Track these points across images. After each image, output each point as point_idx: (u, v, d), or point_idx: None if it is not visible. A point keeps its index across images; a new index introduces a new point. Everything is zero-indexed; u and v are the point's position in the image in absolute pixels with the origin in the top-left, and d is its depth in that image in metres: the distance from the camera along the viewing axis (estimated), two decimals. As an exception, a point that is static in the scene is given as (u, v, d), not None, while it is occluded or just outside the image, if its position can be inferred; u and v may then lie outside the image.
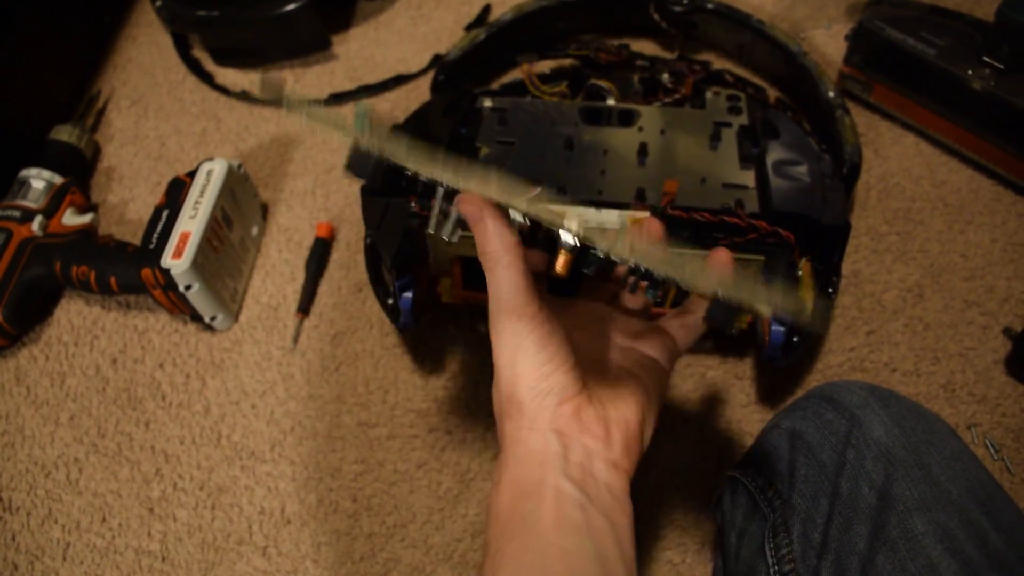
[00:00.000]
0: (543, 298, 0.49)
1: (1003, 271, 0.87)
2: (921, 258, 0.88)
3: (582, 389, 0.50)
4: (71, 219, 0.92)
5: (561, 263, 0.48)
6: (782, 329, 0.71)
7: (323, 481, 0.79)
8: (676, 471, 0.78)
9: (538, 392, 0.49)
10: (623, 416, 0.51)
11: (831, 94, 0.88)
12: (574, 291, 0.63)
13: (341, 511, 0.77)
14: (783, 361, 0.72)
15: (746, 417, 0.80)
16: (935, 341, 0.83)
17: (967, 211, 0.91)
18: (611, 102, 0.90)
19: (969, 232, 0.90)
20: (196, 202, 0.84)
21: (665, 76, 0.95)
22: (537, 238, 0.50)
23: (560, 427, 0.49)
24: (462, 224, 0.50)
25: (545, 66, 1.01)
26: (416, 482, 0.78)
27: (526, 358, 0.49)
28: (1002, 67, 0.88)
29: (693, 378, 0.82)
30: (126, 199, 1.00)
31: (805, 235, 0.71)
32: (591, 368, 0.53)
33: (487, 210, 0.48)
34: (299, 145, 1.02)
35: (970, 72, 0.88)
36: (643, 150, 0.81)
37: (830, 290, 0.75)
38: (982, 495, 0.52)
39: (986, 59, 0.89)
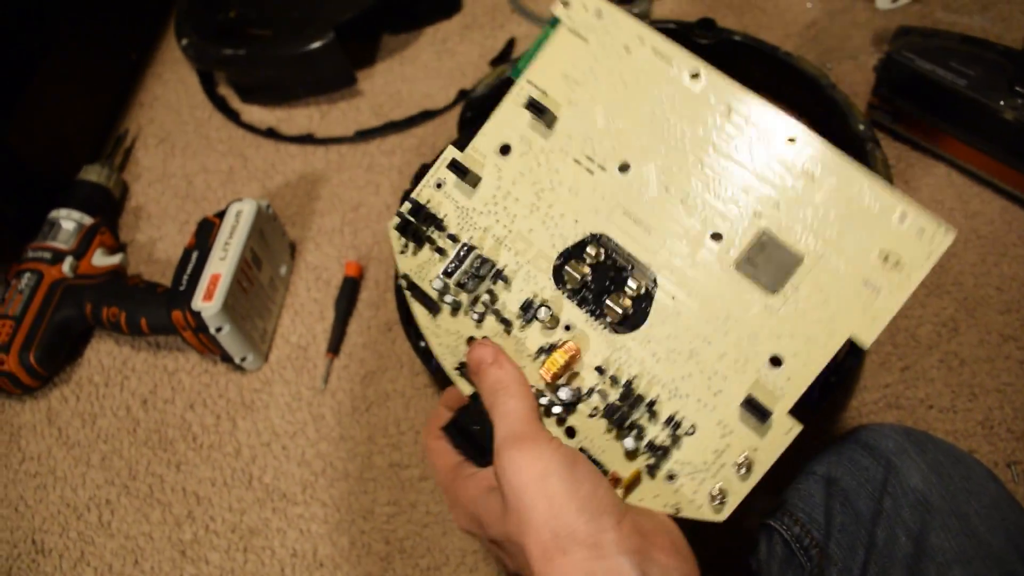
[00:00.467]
0: None
1: (1039, 303, 0.86)
2: (955, 291, 0.87)
3: (626, 503, 0.46)
4: (101, 260, 0.92)
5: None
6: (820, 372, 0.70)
7: (355, 523, 0.79)
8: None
9: (592, 514, 0.42)
10: (670, 526, 0.47)
11: (861, 127, 0.87)
12: None
13: (374, 553, 0.77)
14: (820, 404, 0.71)
15: (780, 459, 0.79)
16: (971, 377, 0.82)
17: (1001, 243, 0.90)
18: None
19: (1003, 264, 0.89)
20: (226, 243, 0.84)
21: (692, 110, 0.95)
22: None
23: (631, 547, 0.42)
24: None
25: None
26: (449, 524, 0.78)
27: (561, 482, 0.43)
28: (1034, 97, 0.87)
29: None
30: (154, 238, 1.01)
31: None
32: None
33: (503, 353, 0.50)
34: (326, 183, 1.03)
35: (1002, 102, 0.87)
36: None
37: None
38: (1023, 545, 0.51)
39: (1018, 88, 0.88)
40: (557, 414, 0.49)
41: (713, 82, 0.49)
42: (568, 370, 0.50)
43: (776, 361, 0.46)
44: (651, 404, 0.48)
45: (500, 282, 0.52)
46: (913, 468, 0.55)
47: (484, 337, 0.52)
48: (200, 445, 0.84)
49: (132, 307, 0.86)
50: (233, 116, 1.12)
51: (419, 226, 0.53)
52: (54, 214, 0.94)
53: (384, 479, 0.81)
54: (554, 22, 0.53)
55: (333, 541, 0.78)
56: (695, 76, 0.50)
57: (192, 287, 0.82)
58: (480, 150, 0.54)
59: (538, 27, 1.16)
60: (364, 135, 1.07)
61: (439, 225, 0.53)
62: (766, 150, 0.47)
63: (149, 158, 1.09)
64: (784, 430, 0.46)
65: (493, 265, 0.52)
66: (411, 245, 0.54)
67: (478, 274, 0.52)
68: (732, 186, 0.48)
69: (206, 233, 0.86)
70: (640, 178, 0.50)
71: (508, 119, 0.54)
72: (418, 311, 0.53)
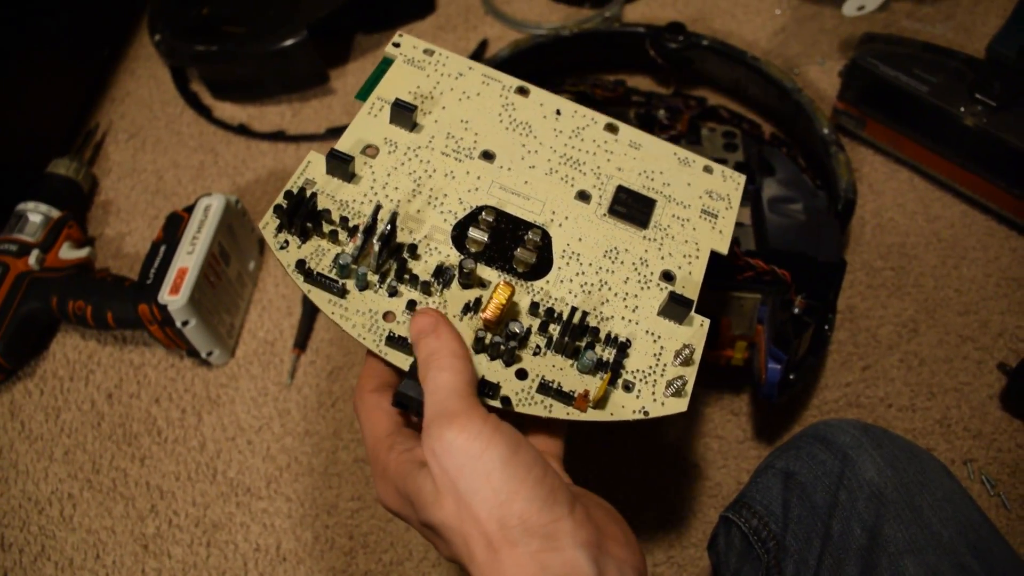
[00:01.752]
0: None
1: (997, 306, 0.88)
2: (916, 293, 0.89)
3: (574, 488, 0.44)
4: (68, 253, 0.92)
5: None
6: (778, 367, 0.71)
7: (319, 518, 0.79)
8: (672, 508, 0.78)
9: (544, 502, 0.39)
10: (616, 515, 0.45)
11: (826, 131, 0.88)
12: None
13: (337, 548, 0.77)
14: (779, 398, 0.72)
15: (742, 453, 0.80)
16: (930, 376, 0.84)
17: (961, 246, 0.92)
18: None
19: (963, 267, 0.90)
20: (194, 238, 0.84)
21: (661, 112, 0.96)
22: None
23: (584, 539, 0.39)
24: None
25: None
26: (412, 519, 0.78)
27: (506, 466, 0.39)
28: (994, 104, 0.88)
29: (689, 415, 0.82)
30: (123, 232, 1.01)
31: (801, 272, 0.72)
32: None
33: (444, 321, 0.47)
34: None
35: (962, 109, 0.89)
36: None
37: (826, 327, 0.75)
38: (974, 538, 0.52)
39: (978, 96, 0.89)
40: (510, 348, 0.49)
41: (538, 93, 0.60)
42: (507, 313, 0.51)
43: (668, 276, 0.55)
44: (587, 329, 0.51)
45: (407, 253, 0.52)
46: (869, 462, 0.56)
47: (389, 337, 0.49)
48: (165, 439, 0.84)
49: (98, 300, 0.85)
50: (205, 112, 1.12)
51: (300, 219, 0.51)
52: (21, 207, 0.93)
53: (349, 474, 0.81)
54: (388, 61, 0.60)
55: (297, 536, 0.78)
56: (523, 92, 0.60)
57: (159, 281, 0.82)
58: (347, 151, 0.55)
59: (511, 29, 1.16)
60: (335, 133, 1.07)
61: (325, 217, 0.52)
62: (596, 135, 0.59)
63: (119, 153, 1.09)
64: (699, 324, 0.53)
65: (396, 237, 0.52)
66: (292, 240, 0.52)
67: (388, 243, 0.51)
68: (582, 160, 0.58)
69: (174, 227, 0.86)
70: (506, 161, 0.57)
71: (365, 126, 0.57)
72: (320, 299, 0.51)
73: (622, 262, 0.55)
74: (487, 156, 0.57)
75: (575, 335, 0.50)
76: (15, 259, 0.88)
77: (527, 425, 0.50)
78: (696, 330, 0.53)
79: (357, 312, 0.51)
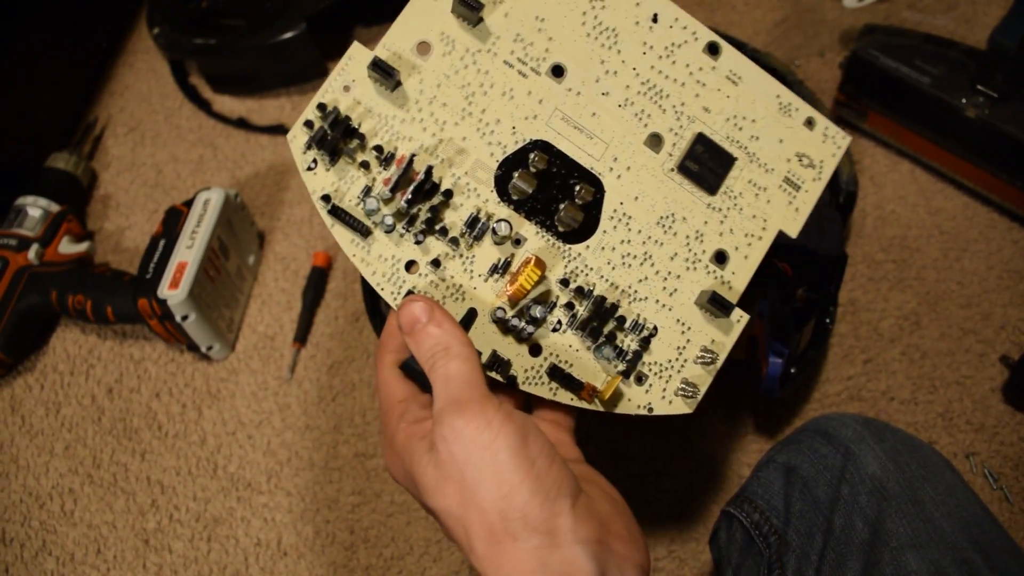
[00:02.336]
0: None
1: (999, 298, 0.87)
2: (917, 286, 0.88)
3: (581, 484, 0.42)
4: (67, 247, 0.92)
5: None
6: (780, 361, 0.71)
7: (320, 512, 0.79)
8: (674, 503, 0.77)
9: (546, 495, 0.39)
10: (623, 507, 0.44)
11: (826, 122, 0.88)
12: None
13: (338, 543, 0.77)
14: (780, 392, 0.72)
15: (744, 447, 0.80)
16: (932, 369, 0.83)
17: (963, 238, 0.92)
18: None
19: (965, 259, 0.90)
20: (193, 232, 0.84)
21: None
22: None
23: (585, 535, 0.39)
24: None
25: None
26: (413, 513, 0.78)
27: (512, 458, 0.39)
28: (995, 95, 0.88)
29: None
30: (123, 226, 1.00)
31: (802, 266, 0.71)
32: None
33: (439, 307, 0.44)
34: (295, 173, 1.02)
35: (964, 100, 0.89)
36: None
37: (827, 320, 0.75)
38: (976, 532, 0.52)
39: (980, 87, 0.89)
40: (528, 333, 0.47)
41: None
42: (536, 286, 0.48)
43: (721, 257, 0.50)
44: (615, 311, 0.48)
45: (441, 197, 0.48)
46: (871, 456, 0.55)
47: (410, 292, 0.47)
48: (165, 434, 0.84)
49: (98, 295, 0.85)
50: (204, 106, 1.11)
51: (334, 136, 0.46)
52: (20, 201, 0.93)
53: (349, 469, 0.81)
54: None
55: (297, 530, 0.78)
56: None
57: (159, 275, 0.82)
58: (392, 48, 0.48)
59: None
60: (335, 126, 1.06)
61: (359, 136, 0.47)
62: (693, 56, 0.50)
63: (119, 146, 1.08)
64: (736, 319, 0.50)
65: (432, 180, 0.48)
66: (323, 159, 0.47)
67: (421, 189, 0.47)
68: (665, 91, 0.50)
69: (174, 221, 0.86)
70: (577, 81, 0.49)
71: (423, 13, 0.48)
72: (343, 237, 0.47)
73: (675, 233, 0.49)
74: (556, 72, 0.49)
75: (602, 319, 0.48)
76: (15, 254, 0.88)
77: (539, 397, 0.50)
78: (730, 327, 0.50)
79: (379, 258, 0.47)
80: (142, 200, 1.02)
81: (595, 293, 0.49)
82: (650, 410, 0.49)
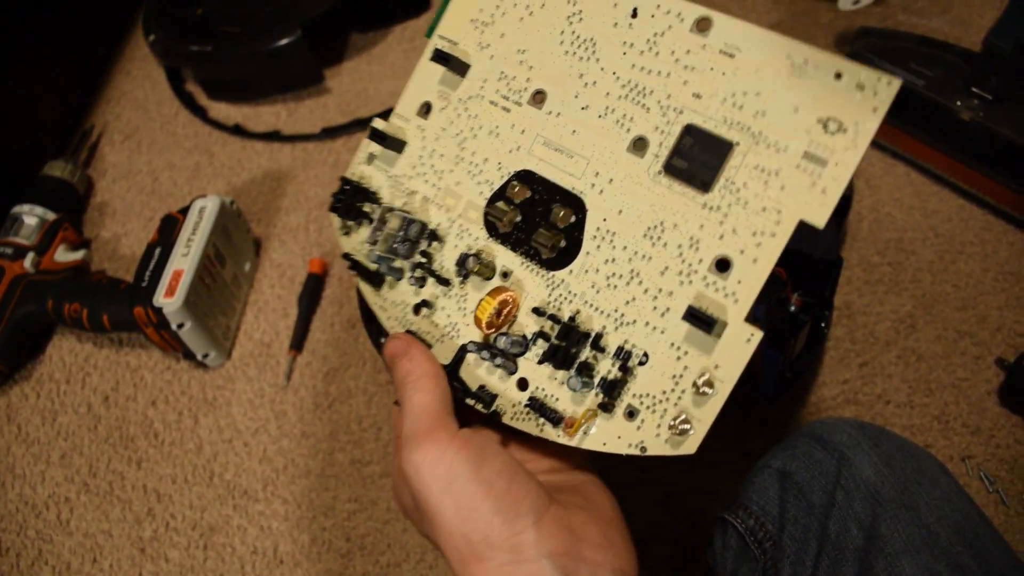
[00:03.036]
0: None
1: (995, 300, 0.87)
2: (913, 288, 0.88)
3: (551, 496, 0.42)
4: (64, 255, 0.92)
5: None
6: (775, 367, 0.71)
7: (316, 520, 0.79)
8: (669, 509, 0.77)
9: (505, 515, 0.40)
10: (604, 512, 0.44)
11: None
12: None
13: (334, 550, 0.77)
14: (776, 398, 0.72)
15: (740, 452, 0.80)
16: (928, 372, 0.83)
17: (958, 240, 0.92)
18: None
19: (960, 262, 0.90)
20: (189, 239, 0.84)
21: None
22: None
23: (554, 548, 0.40)
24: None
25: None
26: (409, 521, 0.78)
27: (468, 484, 0.40)
28: (990, 97, 0.88)
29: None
30: (119, 234, 1.00)
31: (797, 270, 0.71)
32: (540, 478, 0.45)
33: (414, 343, 0.47)
34: (292, 180, 1.02)
35: (959, 103, 0.89)
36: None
37: (823, 324, 0.75)
38: (971, 537, 0.51)
39: (975, 89, 0.89)
40: (502, 366, 0.47)
41: None
42: (508, 319, 0.47)
43: (723, 264, 0.42)
44: (597, 338, 0.45)
45: (434, 242, 0.51)
46: (866, 461, 0.55)
47: (400, 332, 0.50)
48: (161, 442, 0.84)
49: (94, 303, 0.85)
50: (200, 112, 1.11)
51: (353, 203, 0.53)
52: (16, 209, 0.93)
53: (345, 476, 0.81)
54: None
55: (294, 538, 0.78)
56: None
57: (154, 283, 0.82)
58: (403, 115, 0.54)
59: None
60: (331, 133, 1.07)
61: (372, 199, 0.53)
62: (679, 40, 0.45)
63: (115, 154, 1.08)
64: (744, 339, 0.42)
65: (423, 225, 0.51)
66: (352, 224, 0.53)
67: (408, 237, 0.50)
68: (648, 88, 0.46)
69: (169, 229, 0.86)
70: (557, 102, 0.49)
71: (424, 78, 0.53)
72: (364, 289, 0.52)
73: (665, 244, 0.44)
74: (537, 98, 0.49)
75: (571, 347, 0.45)
76: (11, 262, 0.88)
77: None
78: (736, 349, 0.42)
79: (392, 304, 0.51)
80: (138, 207, 1.02)
81: (577, 320, 0.46)
82: (643, 450, 0.43)
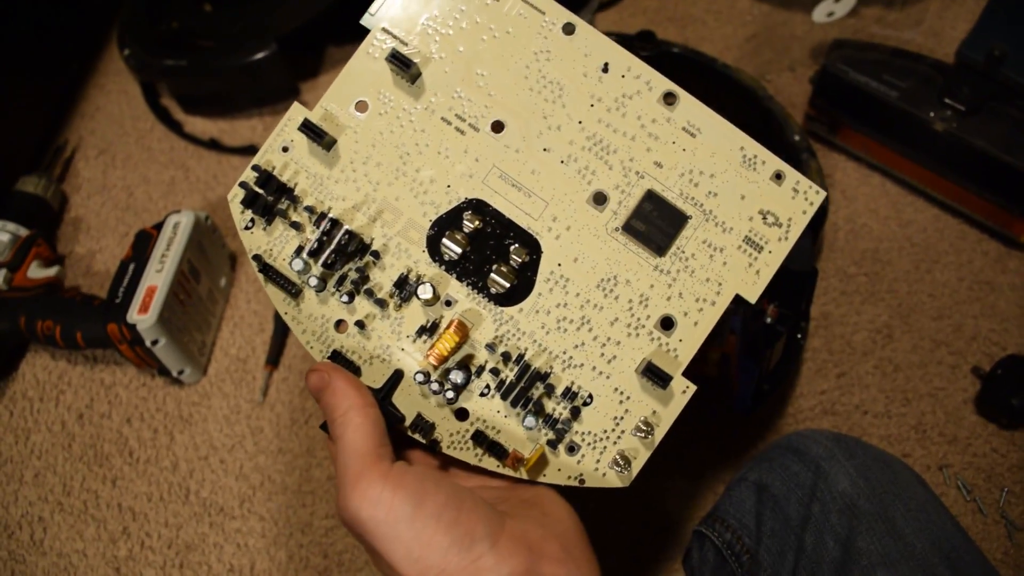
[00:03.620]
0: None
1: (970, 309, 0.88)
2: (890, 299, 0.89)
3: (503, 516, 0.42)
4: (36, 272, 0.91)
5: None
6: (751, 379, 0.71)
7: (293, 537, 0.78)
8: (647, 522, 0.77)
9: (460, 545, 0.39)
10: (562, 525, 0.44)
11: (796, 137, 0.88)
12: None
13: (312, 567, 0.76)
14: (752, 410, 0.72)
15: (718, 464, 0.80)
16: (905, 382, 0.84)
17: (933, 250, 0.92)
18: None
19: (936, 271, 0.91)
20: (163, 255, 0.83)
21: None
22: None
23: (513, 569, 0.39)
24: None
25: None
26: (387, 536, 0.77)
27: (413, 522, 0.39)
28: (963, 108, 0.89)
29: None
30: (93, 250, 0.99)
31: (773, 281, 0.71)
32: (492, 499, 0.45)
33: (335, 373, 0.44)
34: (268, 193, 1.02)
35: (932, 114, 0.89)
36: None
37: (799, 336, 0.75)
38: (947, 548, 0.52)
39: (948, 101, 0.90)
40: (448, 399, 0.46)
41: (588, 36, 0.48)
42: (456, 350, 0.47)
43: (667, 323, 0.46)
44: (545, 377, 0.46)
45: (369, 257, 0.47)
46: (842, 473, 0.56)
47: (335, 351, 0.47)
48: (136, 460, 0.83)
49: (67, 320, 0.84)
50: (175, 127, 1.11)
51: (267, 198, 0.47)
52: (-12, 226, 0.92)
53: (322, 492, 0.80)
54: None
55: (271, 555, 0.77)
56: (569, 30, 0.48)
57: (128, 300, 0.81)
58: (331, 107, 0.48)
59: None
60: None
61: (292, 197, 0.48)
62: (646, 107, 0.47)
63: (89, 169, 1.07)
64: (680, 390, 0.46)
65: (361, 240, 0.47)
66: (259, 220, 0.48)
67: (345, 251, 0.47)
68: (614, 144, 0.47)
69: (143, 245, 0.85)
70: (517, 138, 0.48)
71: (362, 72, 0.48)
72: (275, 296, 0.48)
73: (616, 297, 0.47)
74: (497, 128, 0.48)
75: (527, 386, 0.46)
76: (-18, 279, 0.87)
77: None
78: (673, 399, 0.47)
79: (309, 316, 0.47)
80: (113, 223, 1.02)
81: (525, 358, 0.47)
82: (581, 482, 0.46)
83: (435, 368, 0.47)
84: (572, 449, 0.46)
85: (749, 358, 0.71)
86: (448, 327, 0.46)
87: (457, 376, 0.46)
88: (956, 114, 0.89)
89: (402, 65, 0.47)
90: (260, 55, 1.03)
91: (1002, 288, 0.89)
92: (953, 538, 0.53)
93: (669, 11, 1.17)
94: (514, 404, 0.46)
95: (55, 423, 0.86)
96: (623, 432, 0.46)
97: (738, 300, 0.47)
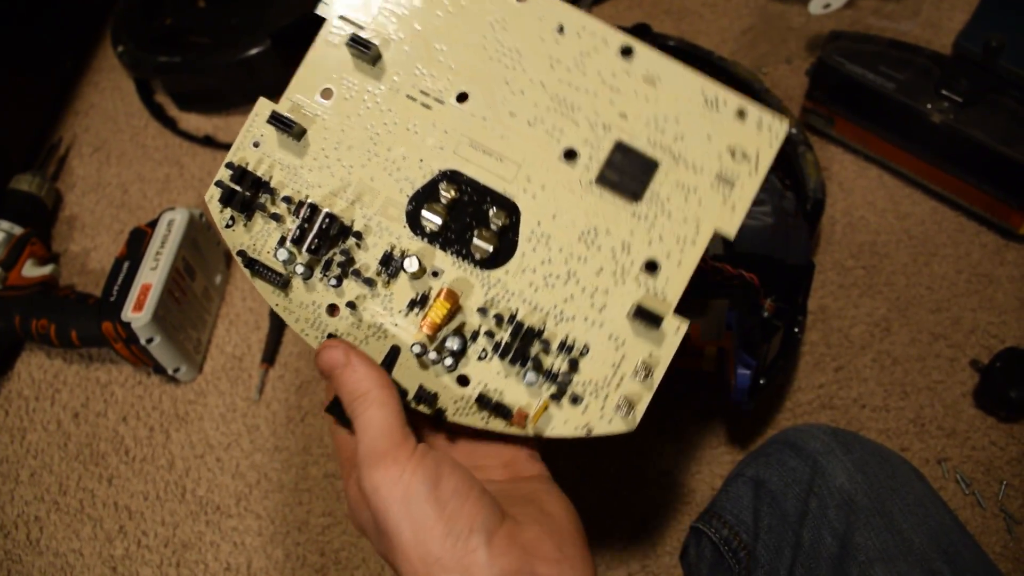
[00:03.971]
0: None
1: (968, 302, 0.87)
2: (887, 292, 0.88)
3: (505, 513, 0.42)
4: (31, 271, 0.90)
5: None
6: (748, 372, 0.70)
7: (290, 535, 0.78)
8: (646, 516, 0.77)
9: (458, 536, 0.39)
10: (558, 524, 0.44)
11: (793, 130, 0.88)
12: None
13: (308, 565, 0.76)
14: (749, 404, 0.71)
15: (715, 459, 0.79)
16: (903, 375, 0.83)
17: (931, 243, 0.92)
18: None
19: (934, 264, 0.90)
20: (157, 253, 0.83)
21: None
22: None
23: (505, 567, 0.39)
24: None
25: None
26: (384, 534, 0.77)
27: (424, 504, 0.40)
28: (960, 100, 0.88)
29: (660, 421, 0.81)
30: (88, 248, 0.99)
31: (769, 276, 0.71)
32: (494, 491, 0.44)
33: (354, 352, 0.44)
34: (263, 190, 1.01)
35: (929, 105, 0.89)
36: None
37: (796, 330, 0.75)
38: (945, 543, 0.51)
39: (944, 92, 0.89)
40: (448, 367, 0.47)
41: (539, 1, 0.48)
42: (450, 318, 0.48)
43: (652, 266, 0.47)
44: (540, 334, 0.47)
45: (352, 239, 0.48)
46: (839, 468, 0.55)
47: (331, 335, 0.48)
48: (132, 458, 0.83)
49: (62, 319, 0.84)
50: (170, 124, 1.10)
51: (244, 194, 0.48)
52: (-18, 224, 0.92)
53: (319, 490, 0.80)
54: None
55: (267, 553, 0.77)
56: None
57: (123, 298, 0.81)
58: (296, 98, 0.50)
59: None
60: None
61: (268, 189, 0.49)
62: (604, 63, 0.48)
63: (84, 167, 1.07)
64: (673, 330, 0.46)
65: (342, 223, 0.48)
66: (239, 216, 0.49)
67: (328, 234, 0.47)
68: (578, 102, 0.48)
69: (137, 243, 0.85)
70: (482, 106, 0.49)
71: (323, 60, 0.50)
72: (264, 289, 0.49)
73: (599, 247, 0.47)
74: (462, 99, 0.48)
75: (524, 343, 0.46)
76: (-24, 279, 0.87)
77: None
78: (667, 339, 0.46)
79: (300, 305, 0.48)
80: (108, 221, 1.01)
81: (517, 318, 0.47)
82: (589, 431, 0.47)
83: (431, 339, 0.47)
84: (576, 400, 0.46)
85: (746, 353, 0.71)
86: (438, 296, 0.47)
87: (453, 343, 0.46)
88: (953, 106, 0.89)
89: (362, 48, 0.48)
90: (254, 51, 1.03)
91: (1000, 280, 0.89)
92: (951, 532, 0.52)
93: (665, 4, 1.16)
94: (513, 362, 0.47)
95: (51, 422, 0.86)
96: (623, 377, 0.46)
97: (722, 241, 0.50)
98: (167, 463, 0.82)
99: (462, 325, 0.48)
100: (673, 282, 0.47)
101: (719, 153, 0.47)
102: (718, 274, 0.70)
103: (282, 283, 0.48)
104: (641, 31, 0.98)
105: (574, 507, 0.46)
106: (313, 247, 0.47)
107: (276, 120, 0.48)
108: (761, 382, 0.71)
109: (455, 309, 0.47)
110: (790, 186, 0.87)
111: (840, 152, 1.00)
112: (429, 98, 0.49)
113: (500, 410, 0.47)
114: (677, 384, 0.83)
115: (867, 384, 0.83)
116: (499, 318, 0.47)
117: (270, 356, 0.87)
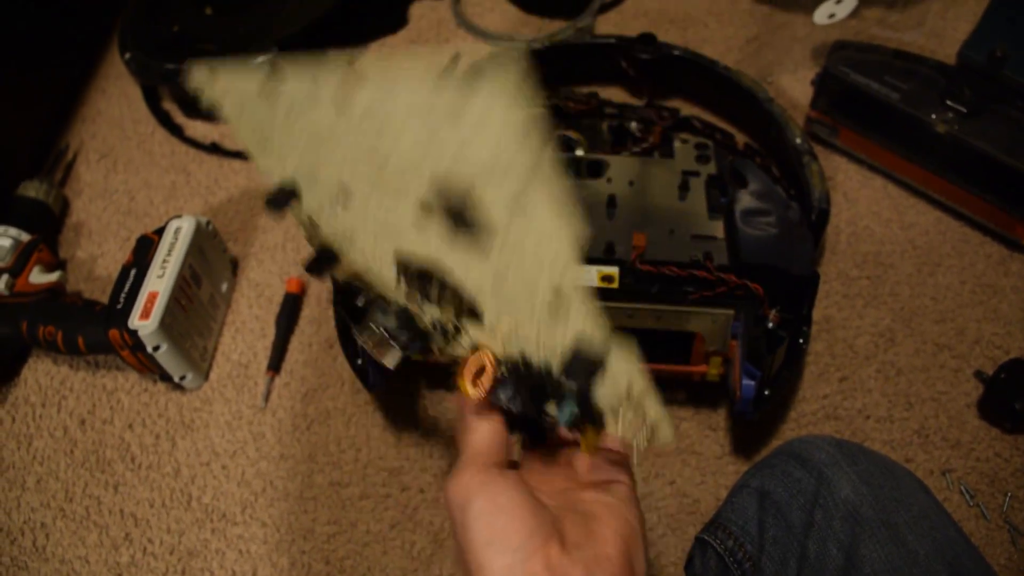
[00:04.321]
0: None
1: (973, 313, 0.88)
2: (892, 302, 0.89)
3: (552, 535, 0.41)
4: (38, 277, 0.91)
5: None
6: (753, 383, 0.70)
7: (295, 543, 0.78)
8: (651, 526, 0.77)
9: (503, 549, 0.40)
10: (604, 553, 0.42)
11: (798, 140, 0.88)
12: None
13: (314, 574, 0.76)
14: (754, 415, 0.71)
15: (720, 469, 0.79)
16: (908, 386, 0.83)
17: (936, 253, 0.92)
18: (580, 153, 0.90)
19: (938, 274, 0.90)
20: (164, 261, 0.83)
21: (634, 124, 0.96)
22: None
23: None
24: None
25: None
26: (389, 543, 0.77)
27: (492, 516, 0.41)
28: (965, 110, 0.89)
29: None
30: (95, 255, 0.99)
31: (774, 286, 0.71)
32: (554, 507, 0.44)
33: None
34: (269, 197, 1.02)
35: (934, 116, 0.89)
36: (612, 202, 0.82)
37: (800, 340, 0.75)
38: (949, 555, 0.51)
39: (949, 102, 0.89)
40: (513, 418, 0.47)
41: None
42: (487, 376, 0.45)
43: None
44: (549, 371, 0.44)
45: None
46: (844, 479, 0.55)
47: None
48: (139, 466, 0.83)
49: (69, 326, 0.84)
50: (176, 131, 1.11)
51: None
52: (-10, 231, 0.92)
53: (325, 498, 0.80)
54: None
55: (273, 562, 0.77)
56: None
57: (129, 305, 0.81)
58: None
59: (483, 41, 1.16)
60: (308, 150, 1.06)
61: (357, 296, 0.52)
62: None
63: (91, 173, 1.07)
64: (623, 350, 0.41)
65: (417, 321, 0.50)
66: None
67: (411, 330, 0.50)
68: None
69: (144, 250, 0.85)
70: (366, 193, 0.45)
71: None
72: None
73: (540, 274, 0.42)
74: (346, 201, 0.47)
75: (537, 375, 0.44)
76: (-17, 285, 0.87)
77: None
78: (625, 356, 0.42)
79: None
80: (115, 228, 1.02)
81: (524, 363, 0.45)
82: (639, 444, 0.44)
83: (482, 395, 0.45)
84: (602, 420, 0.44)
85: (751, 363, 0.71)
86: (473, 354, 0.46)
87: (504, 392, 0.45)
88: (958, 116, 0.89)
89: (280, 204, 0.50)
90: (261, 59, 1.03)
91: (1005, 291, 0.89)
92: (956, 544, 0.52)
93: (670, 13, 1.17)
94: (538, 399, 0.45)
95: (57, 429, 0.86)
96: (628, 398, 0.42)
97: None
98: (173, 470, 0.83)
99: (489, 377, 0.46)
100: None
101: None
102: (723, 284, 0.71)
103: (424, 350, 0.51)
104: (646, 40, 0.98)
105: (636, 526, 0.45)
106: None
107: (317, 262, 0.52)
108: (766, 392, 0.71)
109: (487, 372, 0.46)
110: (795, 196, 0.88)
111: (845, 162, 1.00)
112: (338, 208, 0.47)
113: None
114: (682, 393, 0.83)
115: (871, 395, 0.83)
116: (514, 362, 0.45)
117: (276, 364, 0.88)
